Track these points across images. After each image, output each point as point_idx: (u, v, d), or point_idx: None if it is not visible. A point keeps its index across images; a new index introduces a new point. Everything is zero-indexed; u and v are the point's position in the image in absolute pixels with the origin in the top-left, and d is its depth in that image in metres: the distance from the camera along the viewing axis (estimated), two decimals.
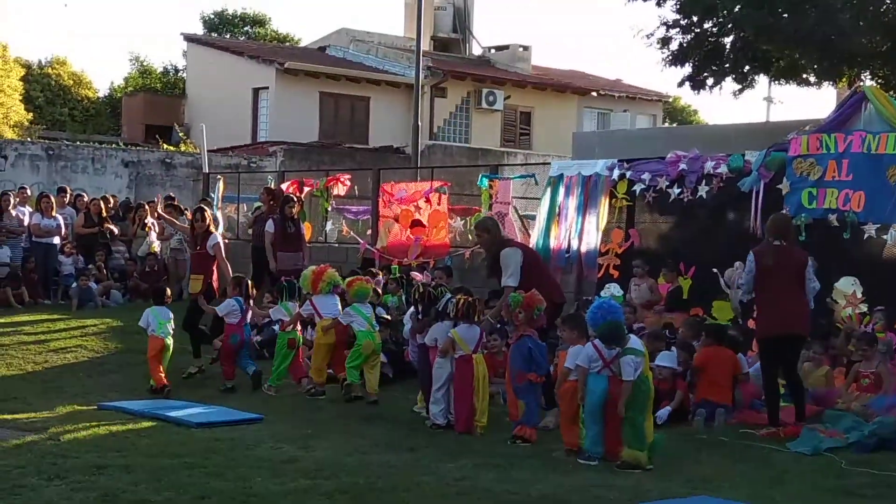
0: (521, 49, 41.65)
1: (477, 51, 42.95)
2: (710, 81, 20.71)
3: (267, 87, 35.76)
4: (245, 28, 51.78)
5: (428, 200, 17.87)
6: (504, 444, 10.21)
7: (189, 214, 18.57)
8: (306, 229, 18.42)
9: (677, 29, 20.45)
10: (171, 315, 13.98)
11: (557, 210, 15.93)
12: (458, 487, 8.37)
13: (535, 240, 16.04)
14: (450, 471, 9.03)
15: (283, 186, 19.82)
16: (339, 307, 13.28)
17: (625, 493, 8.28)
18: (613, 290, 14.69)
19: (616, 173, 15.36)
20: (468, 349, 10.94)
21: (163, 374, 13.49)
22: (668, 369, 11.52)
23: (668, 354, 11.77)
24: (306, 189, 19.90)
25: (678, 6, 20.25)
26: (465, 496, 8.09)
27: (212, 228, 14.99)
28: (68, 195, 21.57)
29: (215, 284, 14.80)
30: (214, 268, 14.75)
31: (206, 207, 15.85)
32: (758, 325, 11.34)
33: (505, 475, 8.91)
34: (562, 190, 15.92)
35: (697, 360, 11.72)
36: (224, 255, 14.91)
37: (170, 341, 13.73)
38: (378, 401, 12.33)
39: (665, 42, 20.55)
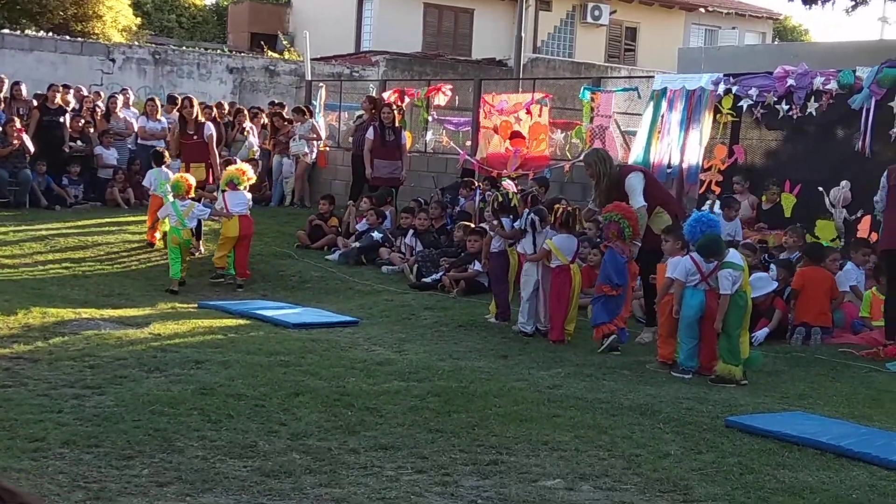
0: None
1: None
2: None
3: None
4: None
5: (529, 112, 17.69)
6: (597, 355, 10.20)
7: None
8: (407, 138, 18.42)
9: None
10: (171, 175, 14.82)
11: (659, 124, 15.67)
12: (549, 395, 8.39)
13: (635, 154, 15.82)
14: (542, 378, 9.05)
15: (385, 95, 19.78)
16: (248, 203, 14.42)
17: (717, 406, 8.22)
18: (714, 206, 14.45)
19: (721, 88, 15.02)
20: (565, 259, 10.92)
21: (157, 234, 15.06)
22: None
23: (763, 277, 11.54)
24: (407, 99, 19.82)
25: None
26: (555, 403, 8.09)
27: (201, 118, 15.84)
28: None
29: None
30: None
31: (192, 97, 16.68)
32: (882, 239, 11.17)
33: (596, 384, 8.90)
34: (664, 104, 15.63)
35: (796, 281, 11.52)
36: (216, 145, 15.87)
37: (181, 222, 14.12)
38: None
39: None
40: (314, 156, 20.34)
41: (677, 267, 9.61)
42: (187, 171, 15.31)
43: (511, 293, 11.88)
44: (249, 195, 14.58)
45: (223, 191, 14.45)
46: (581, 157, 12.44)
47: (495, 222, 11.88)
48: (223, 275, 14.30)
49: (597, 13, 37.39)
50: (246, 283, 14.18)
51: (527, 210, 11.38)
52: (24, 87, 19.94)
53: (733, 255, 9.54)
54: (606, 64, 36.06)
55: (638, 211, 10.96)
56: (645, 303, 11.47)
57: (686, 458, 6.89)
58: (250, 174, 14.63)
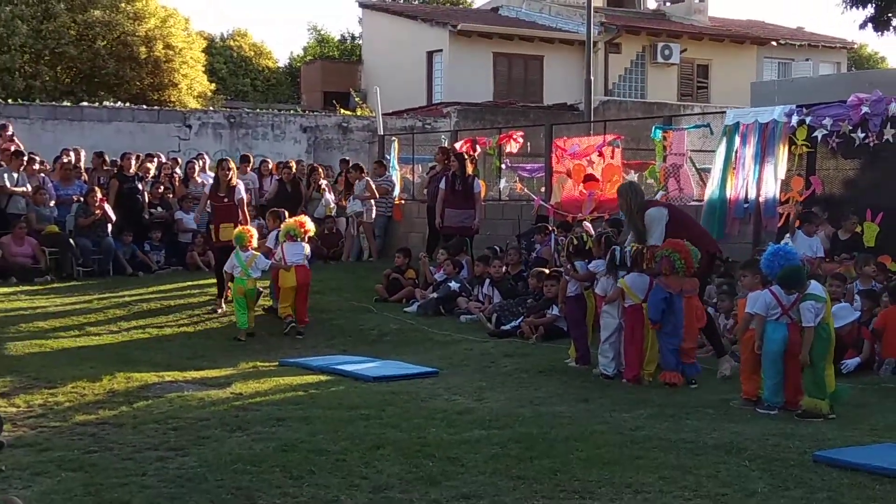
0: (697, 1, 40.80)
1: (651, 5, 42.28)
2: (894, 22, 19.85)
3: (441, 50, 35.92)
4: None
5: (601, 154, 17.65)
6: (679, 394, 10.10)
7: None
8: (481, 187, 18.45)
9: None
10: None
11: (734, 159, 15.52)
12: (631, 436, 8.29)
13: (710, 191, 15.69)
14: (624, 420, 8.96)
15: (457, 145, 19.88)
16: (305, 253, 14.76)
17: (804, 441, 8.06)
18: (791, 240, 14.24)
19: (795, 119, 14.85)
20: (637, 298, 10.87)
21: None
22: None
23: (845, 307, 11.35)
24: (479, 147, 19.91)
25: None
26: (638, 445, 7.99)
27: (234, 181, 15.90)
28: (251, 163, 22.11)
29: None
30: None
31: (230, 159, 16.69)
32: None
33: (680, 424, 8.78)
34: (737, 138, 15.50)
35: (878, 321, 11.35)
36: (245, 207, 16.09)
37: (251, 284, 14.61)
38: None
39: None
40: (373, 214, 20.40)
41: (757, 301, 9.47)
42: (217, 231, 15.73)
43: (590, 336, 11.82)
44: (307, 246, 14.88)
45: (282, 243, 14.65)
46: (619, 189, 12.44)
47: (569, 266, 11.84)
48: (291, 324, 14.49)
49: (667, 52, 37.28)
50: (327, 339, 14.26)
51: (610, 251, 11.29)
52: (106, 157, 20.41)
53: (814, 287, 9.39)
54: (679, 102, 35.91)
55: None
56: (706, 334, 11.45)
57: (774, 496, 6.75)
58: (309, 226, 14.98)
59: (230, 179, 15.84)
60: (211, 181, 20.30)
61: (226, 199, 15.77)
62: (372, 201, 20.36)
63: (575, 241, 11.84)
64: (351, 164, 21.76)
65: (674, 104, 34.50)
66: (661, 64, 37.50)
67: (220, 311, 15.48)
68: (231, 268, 14.77)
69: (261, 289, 15.19)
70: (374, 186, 20.44)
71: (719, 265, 14.08)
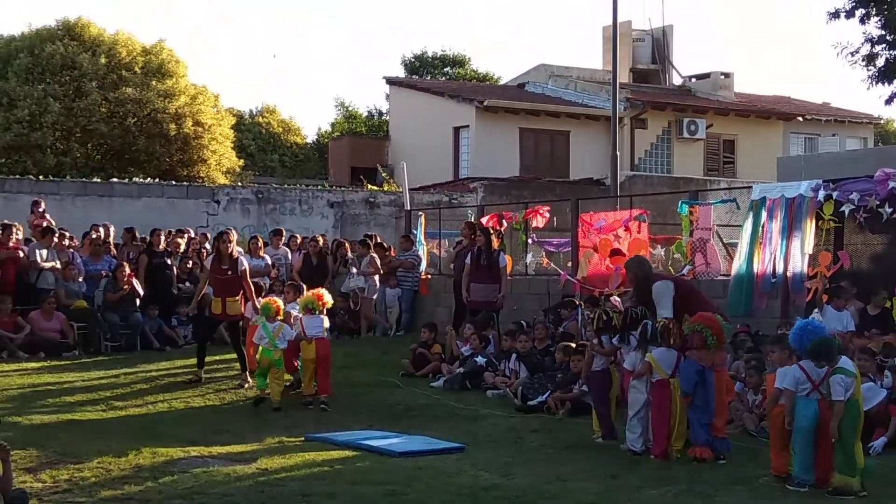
0: (722, 76, 41.04)
1: (677, 80, 42.49)
2: None
3: (468, 126, 36.17)
4: (445, 69, 52.62)
5: (627, 229, 17.67)
6: (707, 470, 10.00)
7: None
8: (507, 261, 18.48)
9: (883, 45, 19.75)
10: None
11: (761, 234, 15.51)
12: None
13: (737, 265, 15.65)
14: (652, 498, 8.89)
15: (483, 220, 19.95)
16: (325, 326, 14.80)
17: None
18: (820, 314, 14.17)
19: (822, 194, 14.84)
20: (665, 373, 10.85)
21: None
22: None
23: (872, 388, 11.22)
24: (505, 222, 19.97)
25: (883, 22, 19.59)
26: None
27: (235, 253, 15.85)
28: (282, 237, 22.27)
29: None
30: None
31: (230, 231, 16.62)
32: None
33: (709, 501, 8.72)
34: (764, 213, 15.49)
35: None
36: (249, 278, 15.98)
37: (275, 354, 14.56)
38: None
39: (870, 59, 19.88)
40: (374, 291, 20.48)
41: (786, 376, 9.40)
42: (223, 305, 15.64)
43: (614, 411, 11.76)
44: (326, 319, 14.94)
45: (300, 316, 14.77)
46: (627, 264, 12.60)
47: (595, 341, 11.84)
48: (311, 401, 14.53)
49: (693, 128, 37.43)
50: (353, 413, 14.15)
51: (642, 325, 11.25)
52: (136, 233, 20.59)
53: (844, 362, 9.33)
54: (705, 177, 35.98)
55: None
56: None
57: None
58: (327, 299, 15.00)
59: (231, 252, 15.78)
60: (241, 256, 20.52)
61: (229, 272, 15.68)
62: (375, 277, 20.39)
63: (604, 317, 11.77)
64: (359, 240, 21.88)
65: (700, 179, 34.58)
66: (687, 139, 37.64)
67: (246, 385, 15.45)
68: (259, 339, 14.77)
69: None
70: (378, 263, 20.54)
71: (745, 340, 14.04)
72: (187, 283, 19.66)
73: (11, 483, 8.21)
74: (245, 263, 16.11)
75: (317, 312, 14.71)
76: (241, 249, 16.89)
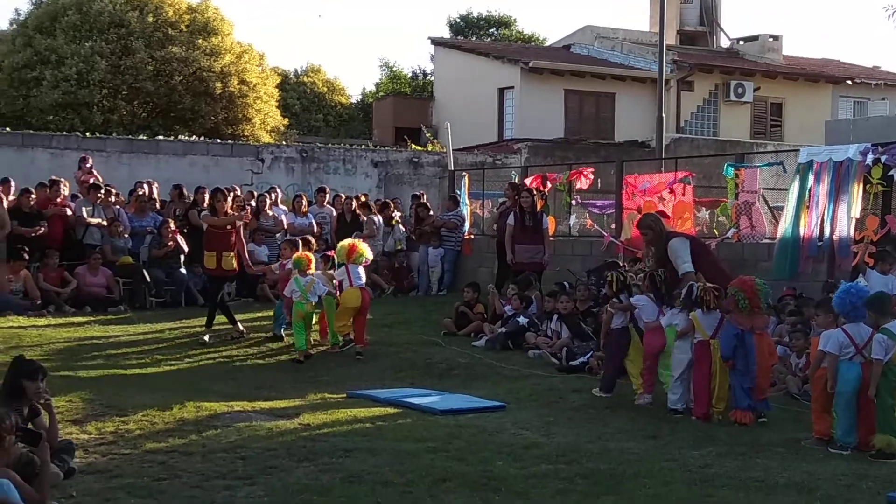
0: (770, 39, 40.59)
1: (724, 43, 42.11)
2: None
3: (512, 87, 36.03)
4: (490, 30, 52.39)
5: (672, 191, 17.57)
6: (748, 432, 10.00)
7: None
8: (550, 223, 18.44)
9: None
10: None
11: (807, 197, 15.36)
12: (701, 475, 8.20)
13: (783, 228, 15.52)
14: (693, 458, 8.87)
15: (527, 181, 19.90)
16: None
17: (878, 482, 7.93)
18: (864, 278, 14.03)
19: (870, 158, 14.66)
20: (706, 334, 10.86)
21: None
22: None
23: None
24: (549, 184, 19.91)
25: None
26: (707, 483, 7.91)
27: (230, 210, 15.91)
28: (327, 194, 22.34)
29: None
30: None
31: (227, 189, 16.76)
32: None
33: (750, 463, 8.67)
34: (811, 177, 15.33)
35: None
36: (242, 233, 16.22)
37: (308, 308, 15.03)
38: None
39: None
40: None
41: (830, 340, 9.35)
42: (217, 260, 15.64)
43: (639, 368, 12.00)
44: (363, 271, 15.47)
45: (343, 265, 15.19)
46: (639, 221, 12.61)
47: (615, 300, 12.04)
48: (347, 342, 15.07)
49: (740, 91, 37.08)
50: (395, 371, 14.22)
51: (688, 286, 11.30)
52: (184, 190, 20.71)
53: (893, 325, 9.25)
54: (752, 140, 35.65)
55: (685, 276, 11.46)
56: None
57: None
58: (368, 254, 15.50)
59: (226, 209, 15.80)
60: (283, 215, 20.61)
61: (227, 227, 15.71)
62: (371, 240, 20.24)
63: (620, 278, 12.11)
64: (418, 203, 21.92)
65: (746, 142, 34.25)
66: (733, 102, 37.29)
67: (206, 338, 15.55)
68: (290, 292, 15.04)
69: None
70: (375, 226, 20.66)
71: (789, 303, 13.94)
72: None
73: (58, 434, 8.32)
74: (240, 220, 16.25)
75: (359, 264, 15.15)
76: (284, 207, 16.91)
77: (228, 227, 15.67)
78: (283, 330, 15.81)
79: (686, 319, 11.08)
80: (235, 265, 15.85)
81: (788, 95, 38.63)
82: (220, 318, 16.11)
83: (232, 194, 17.48)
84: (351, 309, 15.07)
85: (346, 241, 15.69)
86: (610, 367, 12.20)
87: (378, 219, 21.03)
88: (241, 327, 15.93)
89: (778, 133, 38.28)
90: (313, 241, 17.21)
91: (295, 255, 15.35)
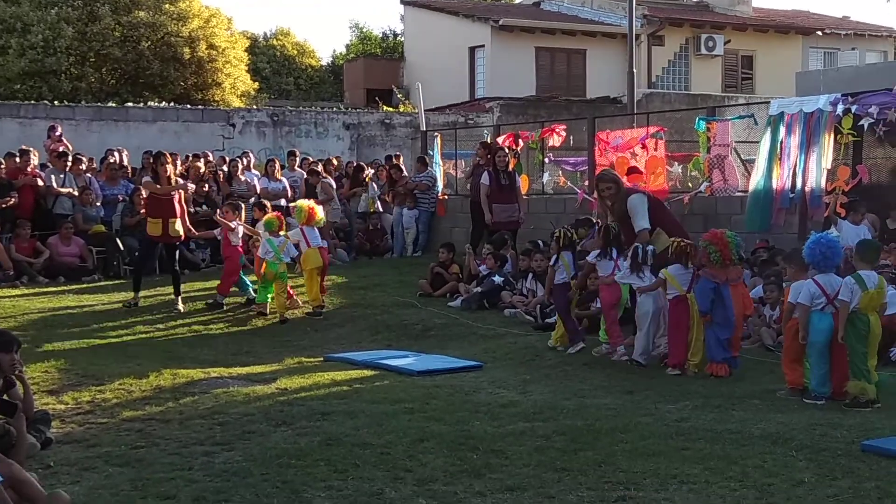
0: None
1: None
2: None
3: (483, 45, 35.93)
4: None
5: (644, 147, 17.57)
6: (724, 385, 10.07)
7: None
8: (522, 181, 18.44)
9: None
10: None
11: (779, 149, 15.40)
12: (676, 428, 8.25)
13: (755, 181, 15.58)
14: (669, 412, 8.92)
15: (499, 140, 19.87)
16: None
17: (852, 431, 7.98)
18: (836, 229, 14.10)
19: (840, 108, 14.69)
20: (682, 289, 10.93)
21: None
22: None
23: (893, 295, 11.21)
24: (522, 142, 19.88)
25: None
26: (683, 436, 7.95)
27: (174, 176, 15.74)
28: (297, 158, 22.28)
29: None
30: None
31: (167, 153, 16.36)
32: None
33: (726, 415, 8.73)
34: (782, 129, 15.37)
35: None
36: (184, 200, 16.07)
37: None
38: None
39: None
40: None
41: (801, 291, 9.39)
42: (163, 227, 15.31)
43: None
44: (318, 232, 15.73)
45: (300, 227, 15.41)
46: (601, 175, 12.73)
47: (555, 256, 12.49)
48: (320, 312, 15.29)
49: (710, 44, 37.07)
50: (371, 333, 14.25)
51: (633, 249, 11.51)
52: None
53: (866, 274, 9.27)
54: (723, 94, 35.70)
55: (640, 234, 11.59)
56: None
57: (821, 486, 6.69)
58: (320, 214, 15.74)
59: (168, 174, 15.51)
60: (255, 179, 20.53)
61: (170, 193, 15.43)
62: (330, 204, 20.21)
63: (568, 234, 12.57)
64: (390, 164, 21.88)
65: (718, 96, 34.31)
66: (704, 56, 37.30)
67: (133, 304, 15.51)
68: (264, 253, 15.15)
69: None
70: (330, 188, 20.64)
71: (762, 254, 14.01)
72: (204, 207, 19.65)
73: (33, 405, 8.29)
74: (185, 186, 16.33)
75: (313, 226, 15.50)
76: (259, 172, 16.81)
77: (171, 193, 15.38)
78: (250, 292, 15.94)
79: (639, 279, 11.30)
80: (182, 232, 15.64)
81: (759, 48, 38.65)
82: (198, 285, 16.11)
83: (178, 159, 17.30)
84: (314, 269, 15.32)
85: (305, 203, 15.82)
86: (566, 319, 12.46)
87: (331, 181, 20.94)
88: (182, 307, 15.62)
89: (749, 86, 38.32)
90: (268, 204, 17.14)
91: (266, 217, 15.42)
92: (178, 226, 15.44)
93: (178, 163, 20.45)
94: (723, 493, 6.57)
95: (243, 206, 16.41)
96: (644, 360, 11.21)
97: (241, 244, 16.10)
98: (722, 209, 16.16)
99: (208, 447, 7.89)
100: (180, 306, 15.51)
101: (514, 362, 11.84)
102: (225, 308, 15.70)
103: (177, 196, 15.46)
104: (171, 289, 15.95)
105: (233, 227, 15.77)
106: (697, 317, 10.82)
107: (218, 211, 17.01)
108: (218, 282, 16.17)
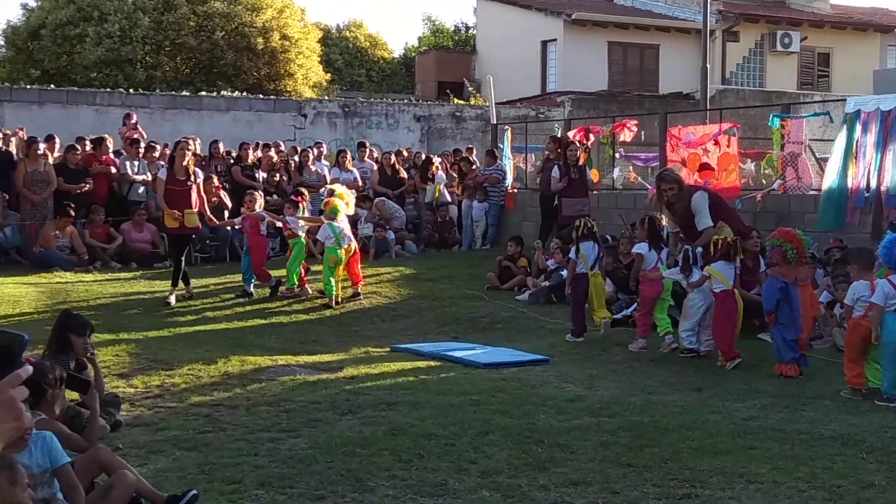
0: None
1: None
2: None
3: (555, 40, 35.77)
4: None
5: (717, 143, 17.36)
6: (794, 384, 9.94)
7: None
8: (593, 176, 18.35)
9: None
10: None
11: (854, 148, 15.15)
12: (744, 426, 8.16)
13: (829, 180, 15.33)
14: (738, 410, 8.83)
15: (570, 134, 19.76)
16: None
17: None
18: None
19: None
20: (728, 283, 11.02)
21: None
22: None
23: None
24: (592, 137, 19.76)
25: None
26: (751, 435, 7.86)
27: (191, 165, 15.28)
28: (367, 149, 22.35)
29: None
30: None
31: (189, 139, 16.35)
32: None
33: (795, 415, 8.62)
34: (858, 127, 15.10)
35: None
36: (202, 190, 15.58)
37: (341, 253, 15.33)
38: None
39: None
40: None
41: (877, 291, 9.22)
42: (183, 217, 14.90)
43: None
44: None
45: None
46: (662, 175, 12.63)
47: (573, 248, 12.82)
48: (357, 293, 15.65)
49: (787, 41, 36.60)
50: (439, 325, 14.25)
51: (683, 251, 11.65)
52: (221, 146, 20.75)
53: None
54: (799, 91, 35.23)
55: (705, 233, 11.68)
56: None
57: (891, 489, 6.59)
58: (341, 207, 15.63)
59: (187, 162, 15.07)
60: (326, 170, 20.63)
61: (187, 183, 15.01)
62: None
63: (586, 226, 12.86)
64: (459, 157, 21.87)
65: (793, 93, 33.86)
66: (780, 52, 36.85)
67: (171, 300, 14.91)
68: (325, 238, 15.28)
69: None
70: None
71: (835, 254, 13.82)
72: (274, 196, 19.77)
73: (104, 387, 8.40)
74: (201, 175, 15.77)
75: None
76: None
77: (188, 182, 14.98)
78: (252, 287, 15.75)
79: (686, 279, 11.45)
80: (198, 223, 15.33)
81: (836, 45, 38.10)
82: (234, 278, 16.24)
83: (250, 148, 17.24)
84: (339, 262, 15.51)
85: (340, 193, 15.86)
86: (577, 310, 12.79)
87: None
88: (188, 293, 15.35)
89: (825, 83, 37.80)
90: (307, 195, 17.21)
91: (331, 203, 15.48)
92: (196, 217, 15.09)
93: (197, 148, 20.64)
94: (790, 494, 6.49)
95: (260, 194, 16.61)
96: (697, 347, 11.40)
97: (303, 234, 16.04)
98: (795, 207, 15.94)
99: (274, 434, 7.95)
100: (172, 299, 14.89)
101: (580, 357, 11.78)
102: (252, 297, 15.67)
103: (194, 187, 15.05)
104: (239, 277, 16.05)
105: (291, 222, 15.88)
106: (742, 312, 11.05)
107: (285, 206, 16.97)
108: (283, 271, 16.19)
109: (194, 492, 6.16)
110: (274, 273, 15.87)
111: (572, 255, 12.84)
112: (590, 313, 13.04)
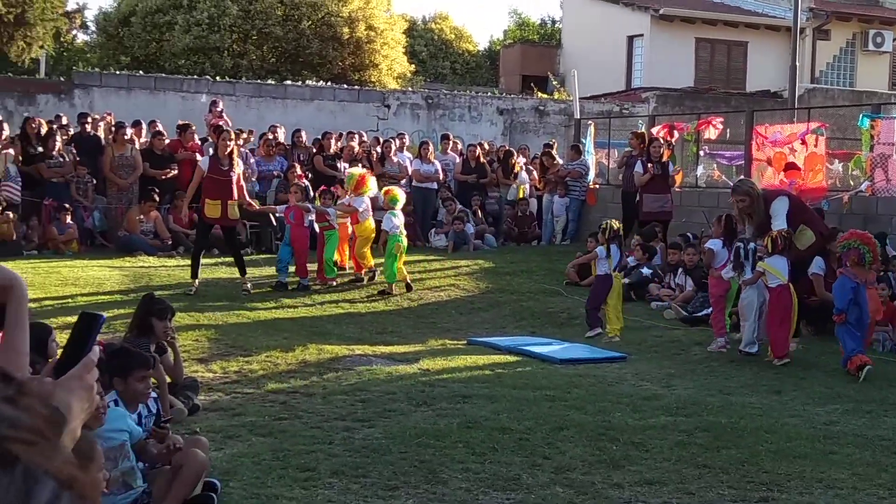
0: None
1: None
2: None
3: (642, 35, 35.48)
4: None
5: (804, 143, 17.11)
6: (877, 390, 9.74)
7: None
8: (676, 177, 18.19)
9: None
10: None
11: None
12: (825, 431, 8.03)
13: None
14: (818, 414, 8.69)
15: (654, 131, 19.60)
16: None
17: None
18: None
19: None
20: (784, 278, 11.02)
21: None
22: None
23: None
24: (677, 133, 19.58)
25: None
26: (832, 440, 7.74)
27: (236, 154, 14.88)
28: (451, 141, 22.35)
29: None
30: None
31: (230, 130, 16.20)
32: None
33: (877, 421, 8.47)
34: None
35: None
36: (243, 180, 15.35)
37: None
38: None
39: None
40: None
41: None
42: (222, 209, 14.44)
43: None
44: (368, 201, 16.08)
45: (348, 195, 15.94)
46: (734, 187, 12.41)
47: (602, 247, 12.80)
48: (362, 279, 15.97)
49: (879, 40, 35.95)
50: (516, 319, 14.21)
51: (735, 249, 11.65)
52: (304, 134, 20.89)
53: None
54: (891, 91, 34.58)
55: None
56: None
57: None
58: (371, 184, 16.02)
59: (230, 151, 14.60)
60: (408, 161, 20.66)
61: (231, 173, 14.54)
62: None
63: (615, 227, 12.87)
64: (544, 151, 21.81)
65: (884, 93, 33.22)
66: (872, 52, 36.20)
67: (248, 286, 14.90)
68: (391, 227, 15.44)
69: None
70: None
71: None
72: None
73: (183, 371, 8.50)
74: (242, 165, 15.59)
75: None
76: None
77: (231, 172, 14.48)
78: (287, 277, 15.55)
79: (739, 277, 11.46)
80: (238, 214, 15.02)
81: None
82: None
83: (246, 133, 17.37)
84: (367, 240, 15.83)
85: (357, 171, 16.14)
86: (590, 308, 13.01)
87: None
88: (249, 286, 15.08)
89: None
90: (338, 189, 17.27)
91: (391, 193, 15.82)
92: (236, 208, 14.73)
93: (281, 137, 20.81)
94: (870, 501, 6.38)
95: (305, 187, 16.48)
96: (752, 350, 11.23)
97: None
98: (883, 210, 15.65)
99: (349, 423, 7.98)
100: (248, 286, 14.91)
101: (658, 355, 11.69)
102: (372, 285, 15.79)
103: (234, 177, 14.57)
104: (314, 266, 16.07)
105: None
106: (797, 305, 11.07)
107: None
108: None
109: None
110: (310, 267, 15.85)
111: (601, 252, 12.79)
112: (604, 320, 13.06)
